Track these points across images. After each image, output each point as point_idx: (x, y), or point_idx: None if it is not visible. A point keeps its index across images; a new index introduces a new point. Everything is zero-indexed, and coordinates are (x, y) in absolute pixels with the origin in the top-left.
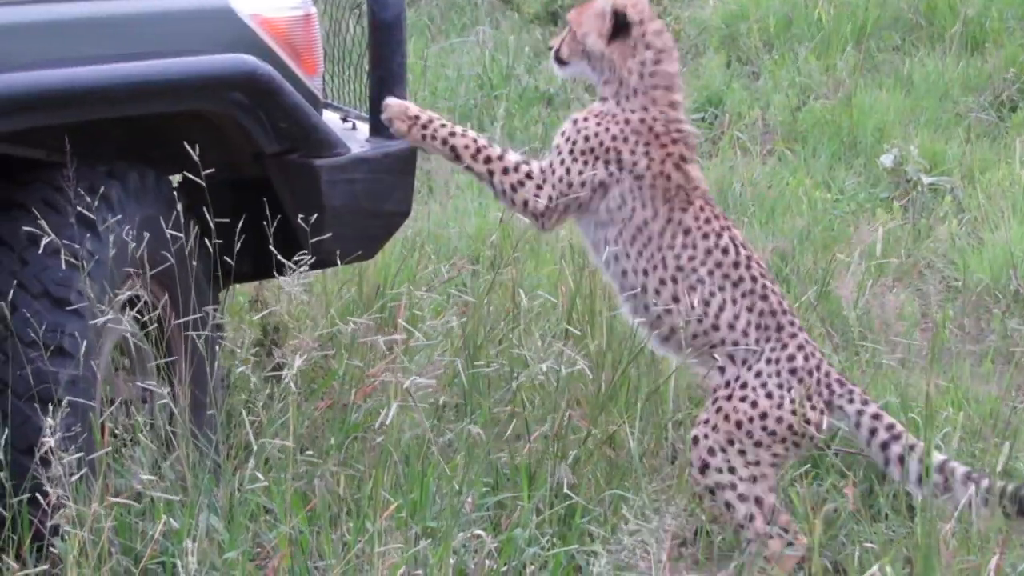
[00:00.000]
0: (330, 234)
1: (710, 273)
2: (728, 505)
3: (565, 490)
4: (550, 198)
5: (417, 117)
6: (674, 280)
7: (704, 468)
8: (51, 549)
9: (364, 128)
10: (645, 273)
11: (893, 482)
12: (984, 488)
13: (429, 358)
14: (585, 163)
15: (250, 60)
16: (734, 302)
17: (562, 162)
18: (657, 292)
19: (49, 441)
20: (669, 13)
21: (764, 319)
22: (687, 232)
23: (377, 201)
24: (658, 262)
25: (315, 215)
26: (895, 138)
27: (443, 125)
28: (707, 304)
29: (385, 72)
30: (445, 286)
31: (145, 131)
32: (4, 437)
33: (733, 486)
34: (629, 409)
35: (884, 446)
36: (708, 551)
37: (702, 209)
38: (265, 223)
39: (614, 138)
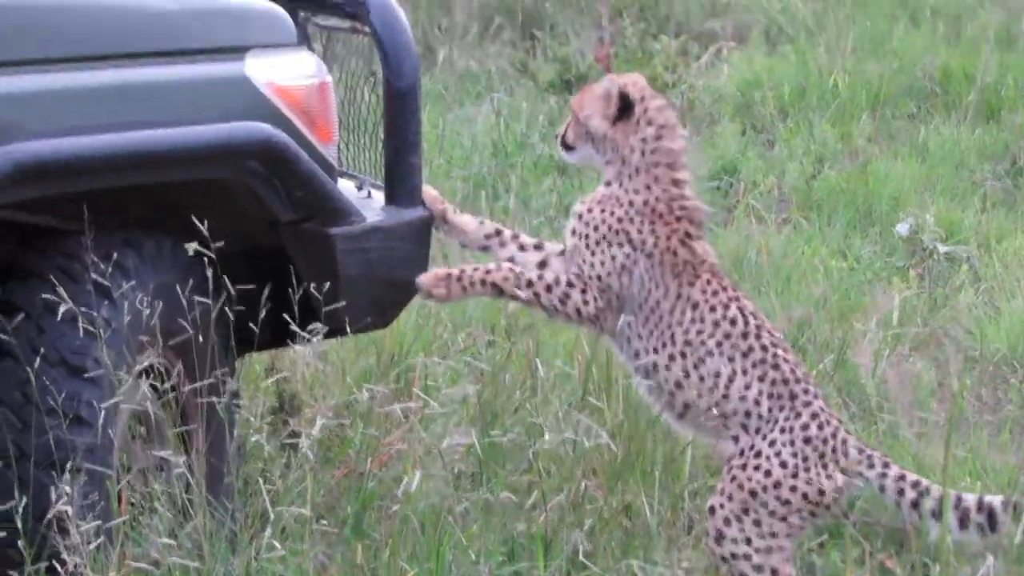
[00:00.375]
0: (344, 303)
1: (718, 345)
2: None
3: (581, 559)
4: (595, 299)
5: (449, 275)
6: (683, 355)
7: (720, 538)
8: None
9: (379, 196)
10: (656, 351)
11: (911, 552)
12: None
13: (445, 427)
14: (603, 252)
15: (265, 128)
16: (744, 372)
17: (584, 260)
18: (668, 368)
19: (67, 509)
20: (684, 81)
21: (776, 388)
22: (695, 306)
23: (392, 270)
24: (667, 339)
25: (330, 284)
26: (911, 206)
27: (475, 269)
28: (717, 375)
29: (400, 141)
30: (461, 355)
31: (161, 199)
32: (23, 505)
33: (748, 557)
34: (646, 478)
35: (915, 504)
36: None
37: (708, 282)
38: (290, 290)
39: (619, 220)
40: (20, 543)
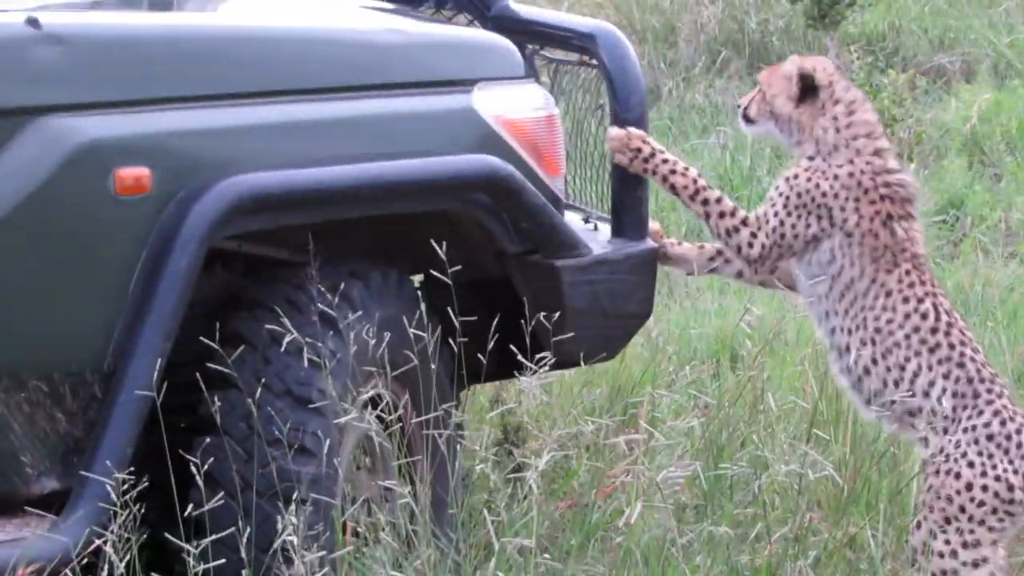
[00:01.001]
0: (571, 335)
1: (907, 337)
2: None
3: None
4: (763, 247)
5: (639, 150)
6: (873, 342)
7: (928, 553)
8: None
9: (606, 229)
10: (849, 332)
11: None
12: None
13: (671, 459)
14: (799, 217)
15: (493, 161)
16: (930, 368)
17: (776, 214)
18: (859, 352)
19: (292, 539)
20: (911, 115)
21: (960, 386)
22: (888, 294)
23: (618, 302)
24: (860, 323)
25: (556, 315)
26: None
27: (664, 161)
28: (902, 368)
29: (627, 174)
30: (686, 388)
31: (387, 231)
32: (246, 535)
33: (956, 572)
34: (870, 511)
35: None
36: None
37: (908, 273)
38: (522, 322)
39: (824, 194)
40: (244, 573)
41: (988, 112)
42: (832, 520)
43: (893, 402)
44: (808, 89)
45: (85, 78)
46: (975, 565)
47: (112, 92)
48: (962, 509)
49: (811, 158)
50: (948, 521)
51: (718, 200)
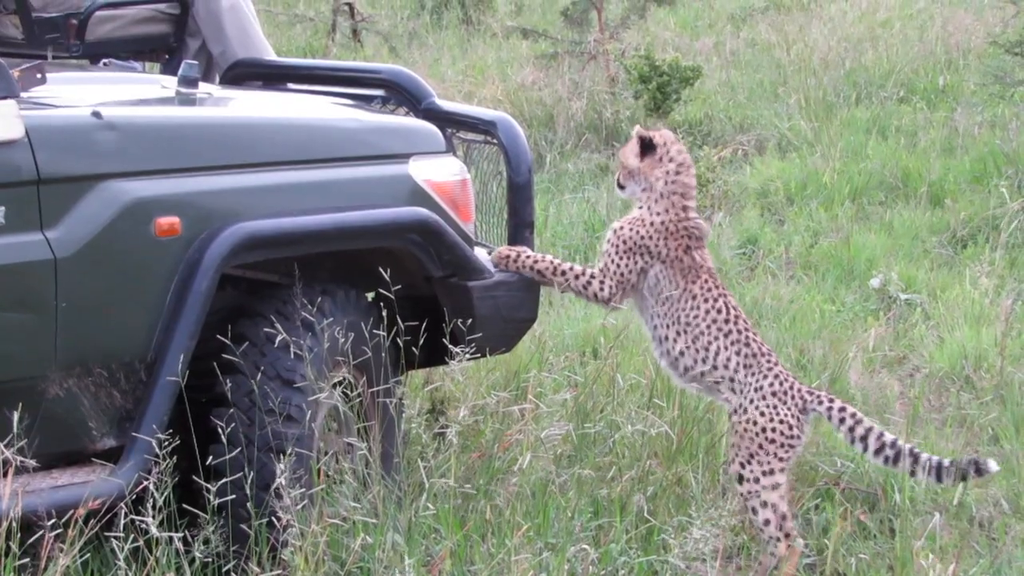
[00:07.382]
0: (480, 334)
1: (708, 327)
2: (753, 510)
3: (646, 516)
4: (611, 288)
5: (508, 255)
6: (685, 332)
7: (740, 480)
8: (282, 558)
9: None
10: (667, 327)
11: (880, 511)
12: (923, 462)
13: (550, 422)
14: (629, 257)
15: (423, 211)
16: (726, 348)
17: (612, 260)
18: (674, 342)
19: (282, 480)
20: (720, 178)
21: (747, 359)
22: (694, 298)
23: (513, 311)
24: (674, 320)
25: (469, 321)
26: (881, 267)
27: (528, 256)
28: (707, 349)
29: (519, 220)
30: (562, 370)
31: (348, 261)
32: (250, 479)
33: (757, 494)
34: (692, 458)
35: (851, 429)
36: (748, 559)
37: (706, 282)
38: (443, 325)
39: (642, 237)
40: (248, 504)
41: (774, 176)
42: (665, 465)
43: (702, 374)
44: (647, 148)
45: (133, 154)
46: (773, 487)
47: (151, 163)
48: (760, 447)
49: (639, 208)
50: (752, 456)
51: (571, 268)
